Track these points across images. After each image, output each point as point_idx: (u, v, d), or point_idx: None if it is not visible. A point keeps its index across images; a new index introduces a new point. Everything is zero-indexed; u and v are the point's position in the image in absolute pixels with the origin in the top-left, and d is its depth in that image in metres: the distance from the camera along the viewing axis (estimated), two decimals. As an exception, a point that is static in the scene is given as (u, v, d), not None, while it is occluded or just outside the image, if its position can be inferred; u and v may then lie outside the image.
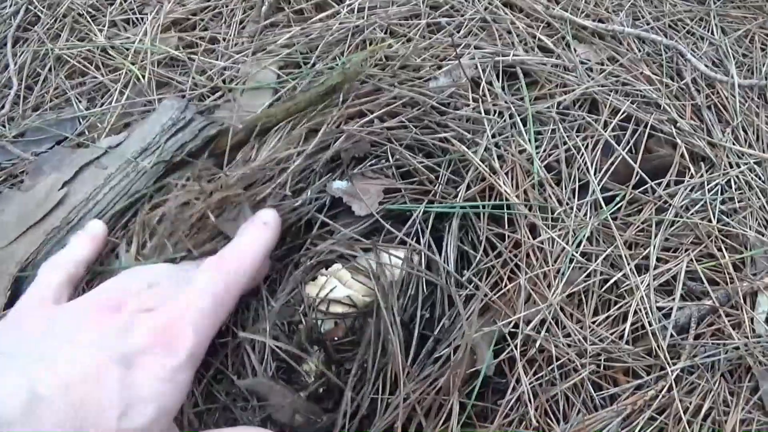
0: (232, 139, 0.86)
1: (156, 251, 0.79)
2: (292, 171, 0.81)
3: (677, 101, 0.92)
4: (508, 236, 0.78)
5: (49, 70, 0.97)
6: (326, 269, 0.80)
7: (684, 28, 0.99)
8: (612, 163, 0.85)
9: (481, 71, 0.89)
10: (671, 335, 0.77)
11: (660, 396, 0.73)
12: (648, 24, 0.99)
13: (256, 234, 0.70)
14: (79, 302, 0.61)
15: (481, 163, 0.80)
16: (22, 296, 0.65)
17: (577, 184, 0.83)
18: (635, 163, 0.85)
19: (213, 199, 0.79)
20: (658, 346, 0.75)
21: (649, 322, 0.77)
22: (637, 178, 0.86)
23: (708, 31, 1.00)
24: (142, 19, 0.98)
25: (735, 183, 0.88)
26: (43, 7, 1.04)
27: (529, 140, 0.82)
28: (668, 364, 0.74)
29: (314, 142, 0.83)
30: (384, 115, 0.86)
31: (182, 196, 0.81)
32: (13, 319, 0.61)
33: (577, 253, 0.77)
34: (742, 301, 0.82)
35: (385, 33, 0.93)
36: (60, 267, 0.68)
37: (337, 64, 0.91)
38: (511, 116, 0.85)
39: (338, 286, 0.79)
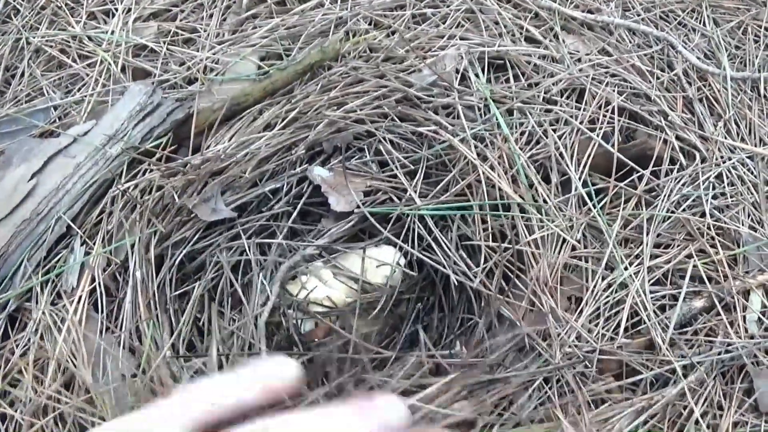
0: (208, 120, 0.82)
1: (124, 235, 0.75)
2: (267, 156, 0.76)
3: (668, 93, 0.87)
4: (502, 238, 0.74)
5: (27, 62, 0.93)
6: (307, 267, 0.76)
7: (675, 19, 0.95)
8: (592, 155, 0.81)
9: (466, 62, 0.85)
10: (663, 332, 0.73)
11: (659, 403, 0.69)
12: (639, 15, 0.94)
13: None
14: None
15: (476, 158, 0.75)
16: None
17: (568, 172, 0.78)
18: (615, 153, 0.80)
19: (177, 180, 0.75)
20: (655, 345, 0.71)
21: (644, 319, 0.72)
22: (625, 168, 0.81)
23: (700, 23, 0.96)
24: (122, 9, 0.94)
25: (727, 177, 0.83)
26: (23, 0, 0.99)
27: (510, 136, 0.78)
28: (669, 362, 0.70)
29: (294, 126, 0.79)
30: (366, 105, 0.81)
31: (147, 180, 0.77)
32: None
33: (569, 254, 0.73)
34: (735, 300, 0.77)
35: (369, 24, 0.89)
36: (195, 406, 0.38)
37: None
38: (495, 107, 0.80)
39: (319, 286, 0.74)
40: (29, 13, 0.98)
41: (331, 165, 0.77)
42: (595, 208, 0.76)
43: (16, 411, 0.68)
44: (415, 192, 0.74)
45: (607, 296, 0.73)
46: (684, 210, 0.80)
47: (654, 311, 0.73)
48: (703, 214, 0.81)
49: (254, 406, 0.39)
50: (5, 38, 0.96)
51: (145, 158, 0.78)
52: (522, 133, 0.80)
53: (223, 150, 0.76)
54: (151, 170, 0.77)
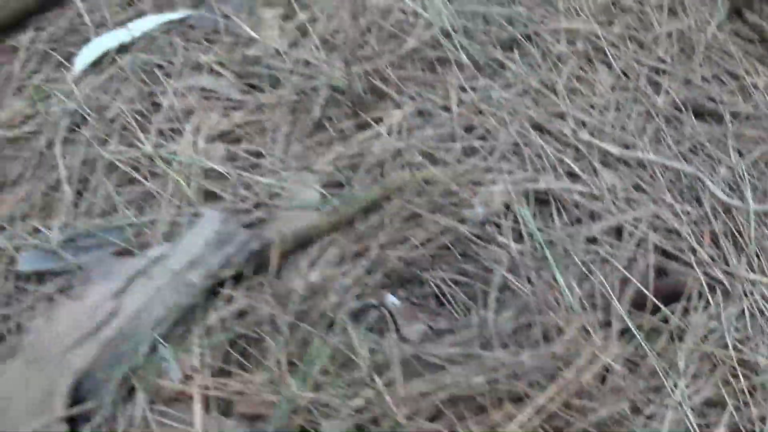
0: (279, 250, 0.96)
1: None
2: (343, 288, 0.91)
3: (696, 228, 1.03)
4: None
5: (99, 176, 1.06)
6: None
7: (703, 150, 1.11)
8: (631, 292, 0.96)
9: (513, 197, 1.00)
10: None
11: None
12: (669, 147, 1.09)
13: None
14: None
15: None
16: None
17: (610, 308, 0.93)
18: (653, 288, 0.96)
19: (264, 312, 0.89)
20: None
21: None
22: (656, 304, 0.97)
23: (725, 154, 1.11)
24: (190, 129, 1.08)
25: (748, 311, 0.99)
26: (91, 109, 1.13)
27: (558, 274, 0.93)
28: None
29: (362, 265, 0.93)
30: (425, 240, 0.96)
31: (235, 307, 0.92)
32: None
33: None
34: (754, 426, 0.92)
35: (423, 156, 1.04)
36: None
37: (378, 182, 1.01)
38: (541, 246, 0.95)
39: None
40: (98, 124, 1.12)
41: (399, 296, 0.92)
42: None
43: None
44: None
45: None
46: (710, 343, 0.95)
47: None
48: (726, 346, 0.96)
49: None
50: (76, 149, 1.10)
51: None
52: (565, 269, 0.94)
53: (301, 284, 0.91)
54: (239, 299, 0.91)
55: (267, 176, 1.04)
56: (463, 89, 1.10)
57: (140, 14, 1.26)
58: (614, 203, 1.01)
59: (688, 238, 1.02)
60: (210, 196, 1.03)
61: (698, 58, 1.18)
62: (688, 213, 1.04)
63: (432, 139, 1.06)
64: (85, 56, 1.20)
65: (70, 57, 1.24)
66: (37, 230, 1.05)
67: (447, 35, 1.15)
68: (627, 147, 1.08)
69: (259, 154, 1.07)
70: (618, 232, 1.00)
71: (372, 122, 1.08)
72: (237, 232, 0.99)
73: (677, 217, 1.03)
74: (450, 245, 0.96)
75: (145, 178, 1.06)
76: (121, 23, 1.25)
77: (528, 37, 1.18)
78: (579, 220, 1.01)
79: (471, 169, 1.03)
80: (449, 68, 1.13)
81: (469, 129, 1.08)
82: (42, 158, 1.12)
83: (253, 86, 1.14)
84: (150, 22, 1.23)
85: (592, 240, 0.98)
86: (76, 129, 1.14)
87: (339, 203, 0.99)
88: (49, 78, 1.21)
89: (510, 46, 1.18)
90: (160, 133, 1.11)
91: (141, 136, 1.10)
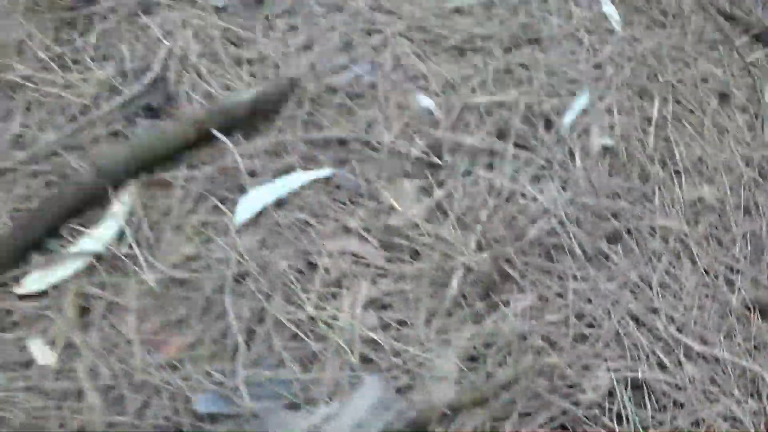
0: (429, 419, 1.20)
1: None
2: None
3: (755, 417, 1.30)
4: None
5: (266, 329, 1.29)
6: None
7: (765, 348, 1.37)
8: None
9: (614, 383, 1.25)
10: None
11: None
12: (738, 344, 1.36)
13: None
14: None
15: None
16: None
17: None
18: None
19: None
20: None
21: None
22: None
23: (784, 351, 1.38)
24: (347, 294, 1.30)
25: (794, 491, 1.26)
26: (254, 261, 1.34)
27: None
28: None
29: None
30: (548, 419, 1.21)
31: None
32: None
33: None
34: None
35: (543, 340, 1.28)
36: None
37: (507, 363, 1.25)
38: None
39: None
40: (262, 279, 1.33)
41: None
42: None
43: None
44: None
45: None
46: None
47: None
48: None
49: None
50: (242, 300, 1.31)
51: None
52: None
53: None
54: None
55: (412, 346, 1.27)
56: (575, 278, 1.35)
57: (288, 166, 1.48)
58: (694, 395, 1.28)
59: (749, 426, 1.28)
60: (366, 361, 1.26)
61: (767, 260, 1.45)
62: (750, 405, 1.31)
63: (550, 325, 1.30)
64: (245, 208, 1.41)
65: (224, 200, 1.45)
66: (208, 374, 1.27)
67: (561, 223, 1.39)
68: (706, 343, 1.34)
69: (404, 323, 1.30)
70: (697, 422, 1.27)
71: (501, 303, 1.32)
72: (396, 400, 1.22)
73: (740, 407, 1.30)
74: (566, 425, 1.21)
75: (307, 336, 1.29)
76: (272, 174, 1.46)
77: (629, 231, 1.43)
78: (665, 407, 1.27)
79: (581, 355, 1.28)
80: (564, 256, 1.38)
81: (579, 316, 1.33)
82: (209, 304, 1.33)
83: (395, 255, 1.36)
84: (300, 178, 1.44)
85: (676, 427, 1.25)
86: (240, 280, 1.35)
87: (479, 380, 1.23)
88: (207, 221, 1.42)
89: (615, 238, 1.43)
90: (318, 294, 1.33)
91: (303, 296, 1.32)
